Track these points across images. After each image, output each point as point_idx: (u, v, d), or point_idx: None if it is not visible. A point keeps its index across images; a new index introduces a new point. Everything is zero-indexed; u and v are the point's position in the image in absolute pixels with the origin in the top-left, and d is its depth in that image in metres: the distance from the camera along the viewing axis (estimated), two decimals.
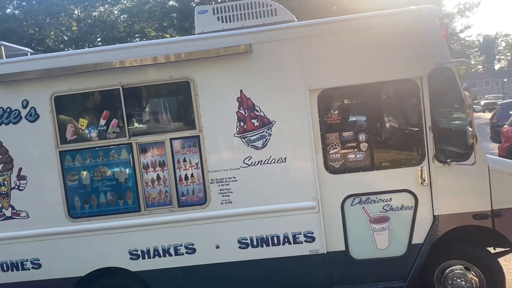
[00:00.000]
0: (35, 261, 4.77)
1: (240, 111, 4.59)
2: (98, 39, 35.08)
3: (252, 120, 4.59)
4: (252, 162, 4.62)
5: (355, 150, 4.65)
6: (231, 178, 4.63)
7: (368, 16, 4.64)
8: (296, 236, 4.66)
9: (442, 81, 4.44)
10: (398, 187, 4.62)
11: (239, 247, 4.68)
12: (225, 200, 4.66)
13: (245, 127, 4.60)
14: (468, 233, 4.73)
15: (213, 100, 4.60)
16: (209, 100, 4.59)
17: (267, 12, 4.88)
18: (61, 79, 4.62)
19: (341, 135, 4.65)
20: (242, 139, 4.61)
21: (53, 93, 4.66)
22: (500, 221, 4.56)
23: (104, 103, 4.76)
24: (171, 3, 31.55)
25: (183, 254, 4.71)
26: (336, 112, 4.69)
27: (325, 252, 4.66)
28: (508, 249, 4.93)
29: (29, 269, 4.78)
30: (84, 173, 4.75)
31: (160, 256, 4.71)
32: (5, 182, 4.74)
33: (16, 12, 34.60)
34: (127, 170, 4.72)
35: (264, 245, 4.67)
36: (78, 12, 37.08)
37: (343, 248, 4.69)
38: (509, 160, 5.55)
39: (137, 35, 35.64)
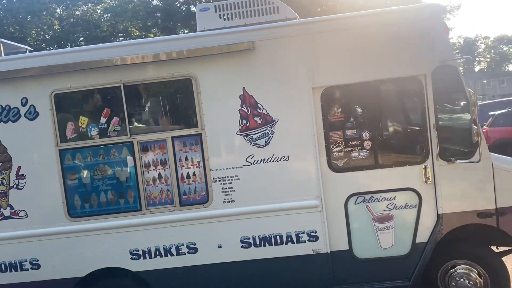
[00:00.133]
0: (34, 262, 4.69)
1: (242, 108, 4.55)
2: (81, 39, 34.45)
3: (255, 118, 4.55)
4: (254, 161, 4.57)
5: (358, 148, 4.61)
6: (233, 176, 4.58)
7: (372, 14, 4.61)
8: (299, 235, 4.61)
9: (446, 78, 4.42)
10: (402, 186, 4.58)
11: (242, 247, 4.63)
12: (227, 199, 4.60)
13: (247, 125, 4.55)
14: (472, 232, 4.70)
15: (215, 98, 4.55)
16: (211, 97, 4.55)
17: (269, 10, 4.84)
18: (61, 76, 4.55)
19: (344, 133, 4.61)
20: (245, 137, 4.56)
21: (53, 91, 4.59)
22: (504, 220, 4.53)
23: (105, 101, 4.70)
24: (155, 2, 31.50)
25: (184, 254, 4.64)
26: (340, 110, 4.65)
27: (329, 252, 4.61)
28: (511, 248, 4.90)
29: (28, 270, 4.70)
30: (84, 172, 4.68)
31: (161, 256, 4.64)
32: (4, 181, 4.66)
33: None
34: (128, 169, 4.66)
35: (266, 244, 4.62)
36: (60, 11, 36.44)
37: (347, 247, 4.65)
38: None
39: (121, 34, 35.23)
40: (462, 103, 4.48)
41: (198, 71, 4.53)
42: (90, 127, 4.63)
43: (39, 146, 4.63)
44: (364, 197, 4.61)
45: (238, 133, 4.56)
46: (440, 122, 4.49)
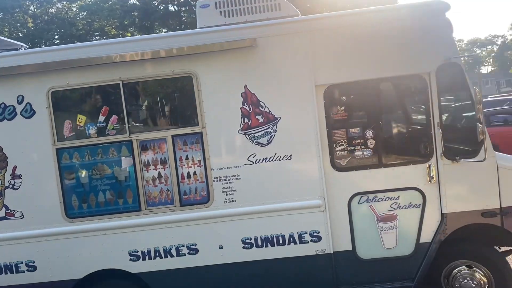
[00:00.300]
0: (30, 264, 4.59)
1: (244, 107, 4.47)
2: (56, 37, 34.08)
3: (257, 116, 4.48)
4: (256, 160, 4.49)
5: (362, 147, 4.55)
6: (235, 176, 4.50)
7: (375, 11, 4.57)
8: (302, 235, 4.54)
9: (451, 76, 4.37)
10: (405, 185, 4.53)
11: (243, 247, 4.55)
12: (229, 198, 4.52)
13: (249, 123, 4.48)
14: (476, 232, 4.66)
15: (216, 96, 4.47)
16: (212, 95, 4.47)
17: (271, 7, 4.76)
18: (58, 73, 4.45)
19: (348, 132, 4.55)
20: (247, 136, 4.49)
21: (50, 88, 4.49)
22: (509, 219, 4.49)
23: (104, 98, 4.60)
24: (132, 1, 31.34)
25: (185, 255, 4.56)
26: (343, 108, 4.58)
27: (332, 252, 4.55)
28: None
29: (23, 272, 4.59)
30: (82, 171, 4.58)
31: (161, 257, 4.55)
32: None
33: None
34: (127, 168, 4.56)
35: (269, 245, 4.55)
36: (34, 8, 35.90)
37: (350, 248, 4.59)
38: None
39: (97, 33, 34.90)
40: (466, 101, 4.42)
41: (199, 69, 4.45)
42: (88, 125, 4.54)
43: (36, 145, 4.52)
44: (368, 197, 4.55)
45: (239, 131, 4.48)
46: (444, 121, 4.44)
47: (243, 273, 4.57)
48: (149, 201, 4.58)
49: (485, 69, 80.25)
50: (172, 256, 4.56)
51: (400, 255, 4.59)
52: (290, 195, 4.51)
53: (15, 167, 4.54)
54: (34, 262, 4.59)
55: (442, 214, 4.52)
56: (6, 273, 4.61)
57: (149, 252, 4.56)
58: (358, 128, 4.55)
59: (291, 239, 4.54)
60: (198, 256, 4.56)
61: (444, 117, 4.45)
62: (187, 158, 4.55)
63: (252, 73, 4.47)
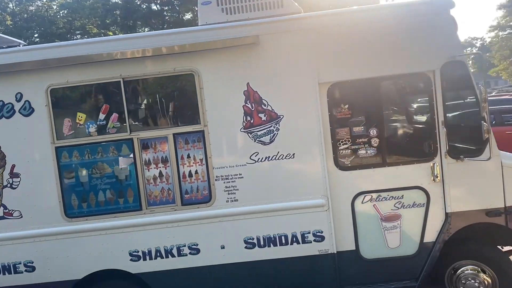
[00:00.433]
0: (28, 264, 4.52)
1: (246, 105, 4.42)
2: (36, 35, 33.49)
3: (259, 115, 4.42)
4: (259, 158, 4.44)
5: (366, 145, 4.50)
6: (237, 175, 4.45)
7: (379, 8, 4.55)
8: (305, 235, 4.49)
9: (455, 74, 4.34)
10: (409, 184, 4.50)
11: (245, 247, 4.50)
12: (231, 198, 4.47)
13: (252, 121, 4.42)
14: (480, 231, 4.62)
15: (218, 94, 4.41)
16: (214, 93, 4.41)
17: (273, 4, 4.71)
18: (57, 70, 4.39)
19: (351, 130, 4.50)
20: (249, 134, 4.43)
21: (49, 86, 4.42)
22: None
23: (104, 96, 4.54)
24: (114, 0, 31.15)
25: (186, 255, 4.50)
26: (347, 106, 4.53)
27: (335, 252, 4.50)
28: None
29: (22, 272, 4.52)
30: (82, 170, 4.51)
31: (162, 257, 4.50)
32: None
33: None
34: (128, 167, 4.50)
35: (271, 245, 4.50)
36: (12, 6, 35.31)
37: (354, 248, 4.55)
38: None
39: (78, 31, 34.42)
40: (471, 100, 4.38)
41: (201, 66, 4.40)
42: (88, 123, 4.48)
43: (35, 143, 4.45)
44: (372, 196, 4.51)
45: (242, 130, 4.43)
46: (448, 119, 4.41)
47: (245, 274, 4.52)
48: (150, 200, 4.52)
49: None
50: (173, 256, 4.50)
51: (403, 255, 4.55)
52: (293, 195, 4.46)
53: (13, 166, 4.46)
54: (32, 262, 4.52)
55: (446, 214, 4.49)
56: (4, 273, 4.54)
57: (150, 252, 4.50)
58: (362, 127, 4.51)
59: (294, 239, 4.49)
60: (199, 256, 4.50)
61: (448, 115, 4.41)
62: (188, 156, 4.49)
63: (254, 71, 4.41)
